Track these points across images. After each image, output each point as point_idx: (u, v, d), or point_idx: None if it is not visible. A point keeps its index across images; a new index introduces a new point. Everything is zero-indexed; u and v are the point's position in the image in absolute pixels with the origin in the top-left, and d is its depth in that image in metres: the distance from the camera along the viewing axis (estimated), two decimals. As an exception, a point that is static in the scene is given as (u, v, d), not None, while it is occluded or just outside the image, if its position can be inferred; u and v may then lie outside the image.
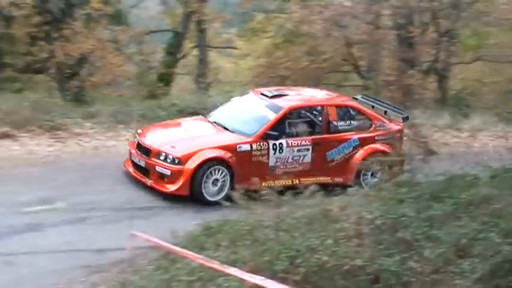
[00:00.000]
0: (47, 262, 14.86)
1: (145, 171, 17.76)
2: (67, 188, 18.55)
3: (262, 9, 34.99)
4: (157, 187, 17.47)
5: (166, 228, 13.91)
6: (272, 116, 18.36)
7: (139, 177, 17.86)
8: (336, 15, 30.18)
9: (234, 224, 13.47)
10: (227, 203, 14.24)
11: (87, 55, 30.51)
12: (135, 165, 18.19)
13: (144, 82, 33.47)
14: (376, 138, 19.34)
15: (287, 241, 11.89)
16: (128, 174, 18.64)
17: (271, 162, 17.83)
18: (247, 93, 20.72)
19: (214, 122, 19.07)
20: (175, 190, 17.17)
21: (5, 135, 21.79)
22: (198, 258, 12.05)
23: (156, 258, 14.02)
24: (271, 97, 19.13)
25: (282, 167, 17.94)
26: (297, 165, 18.11)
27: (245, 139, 17.92)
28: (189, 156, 17.26)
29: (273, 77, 34.05)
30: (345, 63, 33.59)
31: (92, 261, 15.02)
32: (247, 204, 13.36)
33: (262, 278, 10.90)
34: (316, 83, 32.58)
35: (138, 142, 18.25)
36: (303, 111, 19.12)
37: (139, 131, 18.74)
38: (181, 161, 17.21)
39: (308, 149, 18.28)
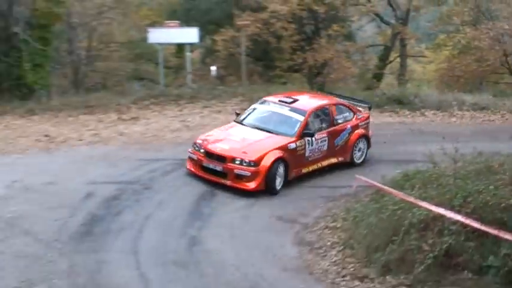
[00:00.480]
0: (299, 192, 15.01)
1: (222, 174, 14.97)
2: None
3: (445, 31, 33.90)
4: (236, 186, 14.77)
5: (378, 174, 13.71)
6: (301, 118, 16.01)
7: (216, 179, 14.97)
8: (497, 34, 28.99)
9: (425, 173, 13.07)
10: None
11: (328, 61, 30.41)
12: (208, 170, 15.18)
13: (363, 79, 33.09)
14: (359, 124, 17.53)
15: (462, 186, 11.46)
16: (196, 176, 15.37)
17: (307, 153, 15.97)
18: (264, 101, 17.26)
19: (257, 127, 16.18)
20: (255, 187, 14.68)
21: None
22: (399, 194, 11.93)
23: (370, 194, 13.90)
24: (290, 103, 16.61)
25: (312, 156, 16.14)
26: (320, 153, 16.33)
27: (290, 139, 15.57)
28: (261, 158, 14.79)
29: (451, 76, 33.24)
30: (501, 67, 31.98)
31: (327, 193, 15.12)
32: (434, 162, 12.85)
33: (444, 209, 10.73)
34: (480, 81, 31.44)
35: (206, 151, 15.29)
36: (318, 112, 16.73)
37: (199, 141, 15.63)
38: (256, 163, 14.71)
39: (325, 140, 16.28)
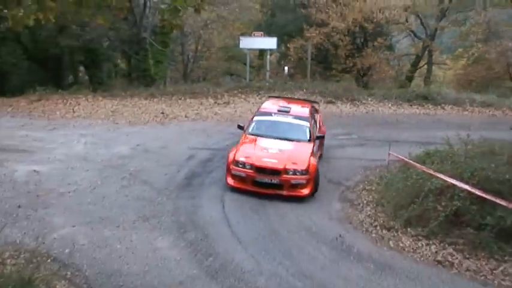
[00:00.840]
0: (346, 163, 14.72)
1: (277, 186, 12.06)
2: (356, 128, 18.21)
3: (463, 45, 33.09)
4: (293, 194, 12.04)
5: (405, 151, 13.33)
6: (307, 124, 13.65)
7: (271, 192, 12.00)
8: (503, 49, 28.59)
9: (442, 152, 12.68)
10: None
11: (372, 65, 30.13)
12: (263, 184, 12.08)
13: (398, 80, 32.34)
14: (322, 121, 15.40)
15: (470, 163, 11.16)
16: (246, 191, 12.08)
17: (317, 152, 13.59)
18: (265, 113, 14.12)
19: (277, 138, 13.14)
20: (309, 192, 12.19)
21: (330, 102, 21.75)
22: (422, 168, 11.72)
23: (399, 166, 13.52)
24: (288, 112, 14.01)
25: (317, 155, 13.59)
26: (317, 151, 13.67)
27: (310, 144, 13.17)
28: (309, 166, 12.20)
29: (465, 80, 32.85)
30: (505, 75, 31.14)
31: (366, 164, 14.76)
32: (450, 144, 12.47)
33: (455, 180, 10.54)
34: (488, 84, 30.34)
35: (256, 167, 12.10)
36: (310, 116, 14.24)
37: (242, 158, 12.26)
38: (307, 171, 12.11)
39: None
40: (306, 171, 12.20)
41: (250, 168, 12.20)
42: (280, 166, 12.19)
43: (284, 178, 12.12)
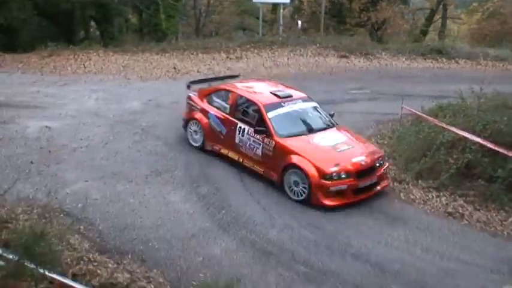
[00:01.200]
0: (358, 117, 14.50)
1: (374, 184, 10.25)
2: (370, 83, 18.04)
3: (477, 0, 32.36)
4: (383, 188, 10.40)
5: (418, 105, 13.24)
6: (317, 104, 11.55)
7: (369, 194, 10.14)
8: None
9: (455, 105, 12.62)
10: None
11: (387, 19, 29.84)
12: (363, 189, 10.02)
13: (412, 34, 31.94)
14: None
15: (482, 117, 11.12)
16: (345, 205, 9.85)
17: None
18: (281, 105, 10.97)
19: (318, 129, 10.84)
20: (388, 182, 10.67)
21: (343, 56, 21.48)
22: (434, 121, 11.72)
23: (412, 120, 13.44)
24: (292, 96, 11.32)
25: None
26: None
27: (341, 125, 11.36)
28: (381, 154, 10.69)
29: (480, 34, 32.41)
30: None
31: (379, 118, 14.63)
32: (462, 98, 12.43)
33: (467, 133, 10.58)
34: (502, 39, 29.85)
35: (356, 172, 9.84)
36: None
37: (333, 168, 9.79)
38: (384, 156, 10.83)
39: None
40: (384, 158, 10.73)
41: (348, 177, 9.90)
42: (371, 161, 10.29)
43: (379, 173, 10.35)
